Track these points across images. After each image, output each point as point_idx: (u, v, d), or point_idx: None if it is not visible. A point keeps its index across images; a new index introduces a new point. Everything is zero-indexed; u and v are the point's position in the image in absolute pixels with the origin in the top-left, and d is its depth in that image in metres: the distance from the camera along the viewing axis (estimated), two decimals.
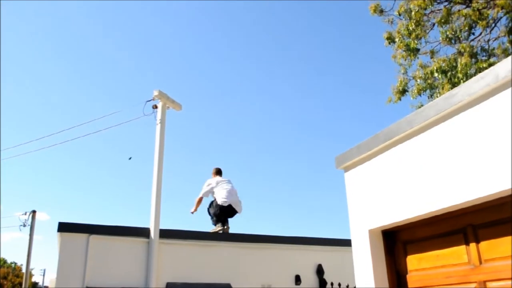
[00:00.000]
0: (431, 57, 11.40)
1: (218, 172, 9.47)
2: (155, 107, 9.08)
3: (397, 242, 2.93)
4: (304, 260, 9.23)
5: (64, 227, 7.60)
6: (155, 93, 8.96)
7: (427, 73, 11.19)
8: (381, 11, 12.06)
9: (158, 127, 8.90)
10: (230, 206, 8.82)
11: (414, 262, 2.77)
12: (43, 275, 33.44)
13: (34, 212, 20.41)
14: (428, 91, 11.53)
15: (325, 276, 9.11)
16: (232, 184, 9.18)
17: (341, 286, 8.59)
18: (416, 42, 11.28)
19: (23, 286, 20.39)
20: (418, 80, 11.57)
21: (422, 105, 10.61)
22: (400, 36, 11.55)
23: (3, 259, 36.80)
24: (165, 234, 8.16)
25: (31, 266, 20.96)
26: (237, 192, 9.17)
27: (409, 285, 2.77)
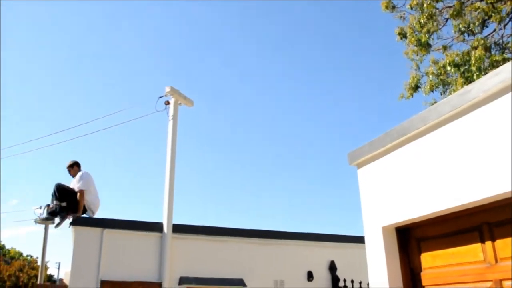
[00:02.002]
0: (444, 52, 11.26)
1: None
2: (168, 103, 9.14)
3: (411, 239, 2.91)
4: (317, 257, 9.22)
5: (78, 221, 7.69)
6: (167, 89, 9.01)
7: (439, 68, 11.05)
8: (393, 7, 11.93)
9: (170, 123, 8.95)
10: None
11: (429, 259, 2.75)
12: (58, 268, 33.95)
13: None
14: (441, 87, 11.41)
15: (338, 273, 9.09)
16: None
17: (354, 283, 8.56)
18: (427, 36, 11.14)
19: (38, 278, 20.71)
20: (431, 76, 11.43)
21: (435, 102, 10.47)
22: (411, 30, 11.43)
23: (19, 252, 37.40)
24: (178, 229, 8.22)
25: (46, 259, 21.29)
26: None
27: (424, 282, 2.75)
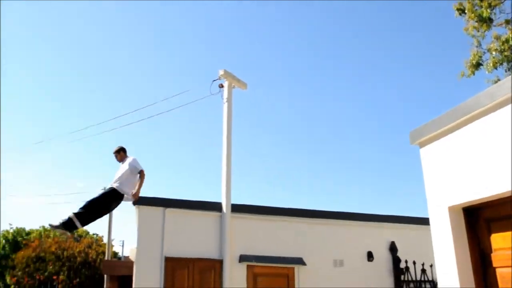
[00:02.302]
0: (506, 27, 10.57)
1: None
2: (222, 86, 9.26)
3: (480, 220, 2.82)
4: (377, 237, 9.13)
5: (141, 201, 8.01)
6: (221, 72, 9.12)
7: (503, 44, 10.39)
8: None
9: (225, 106, 9.08)
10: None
11: (499, 240, 2.65)
12: (122, 246, 35.72)
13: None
14: (505, 64, 10.76)
15: (399, 254, 8.95)
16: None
17: (416, 264, 8.40)
18: (488, 11, 10.49)
19: (106, 255, 21.87)
20: (494, 53, 10.80)
21: (499, 79, 9.90)
22: (471, 5, 10.81)
23: (86, 230, 39.71)
24: (237, 208, 8.41)
25: (111, 237, 22.54)
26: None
27: (494, 264, 2.66)
